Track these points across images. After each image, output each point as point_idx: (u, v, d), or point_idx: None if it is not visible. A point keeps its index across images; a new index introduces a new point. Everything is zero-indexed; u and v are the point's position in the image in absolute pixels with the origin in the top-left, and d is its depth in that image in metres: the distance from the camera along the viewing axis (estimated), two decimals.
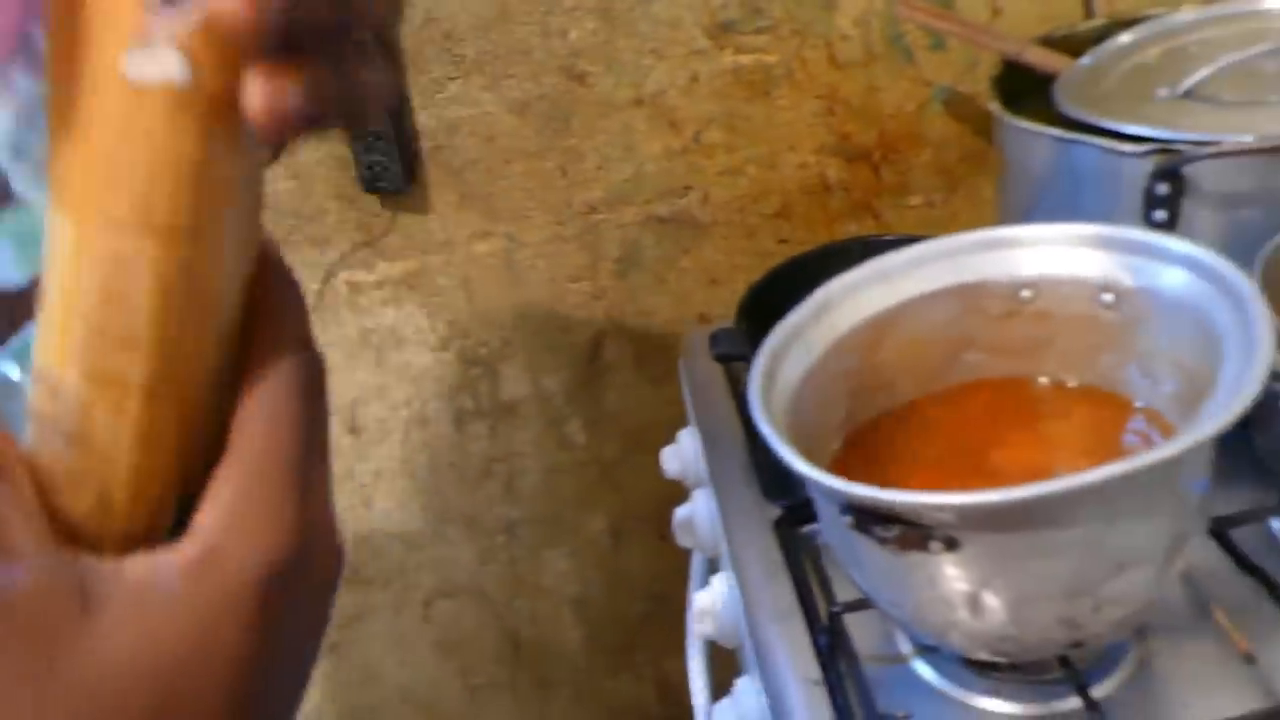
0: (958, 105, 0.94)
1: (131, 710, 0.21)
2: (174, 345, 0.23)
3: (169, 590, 0.22)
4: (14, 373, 0.27)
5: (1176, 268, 0.50)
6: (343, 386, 1.02)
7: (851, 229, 1.00)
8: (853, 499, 0.44)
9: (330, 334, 1.00)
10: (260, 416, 0.23)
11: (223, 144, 0.22)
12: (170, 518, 0.24)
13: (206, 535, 0.23)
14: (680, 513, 0.75)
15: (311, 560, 0.24)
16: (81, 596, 0.22)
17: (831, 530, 0.50)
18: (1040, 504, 0.41)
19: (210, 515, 0.23)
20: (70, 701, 0.21)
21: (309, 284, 0.96)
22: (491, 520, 1.12)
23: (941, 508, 0.42)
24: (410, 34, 0.87)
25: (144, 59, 0.21)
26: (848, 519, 0.45)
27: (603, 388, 1.06)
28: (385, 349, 1.02)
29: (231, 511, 0.23)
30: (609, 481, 1.11)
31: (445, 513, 1.11)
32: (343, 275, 0.97)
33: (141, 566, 0.22)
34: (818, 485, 0.44)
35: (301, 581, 0.24)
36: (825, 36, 0.91)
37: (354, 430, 1.06)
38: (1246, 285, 0.47)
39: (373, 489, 1.09)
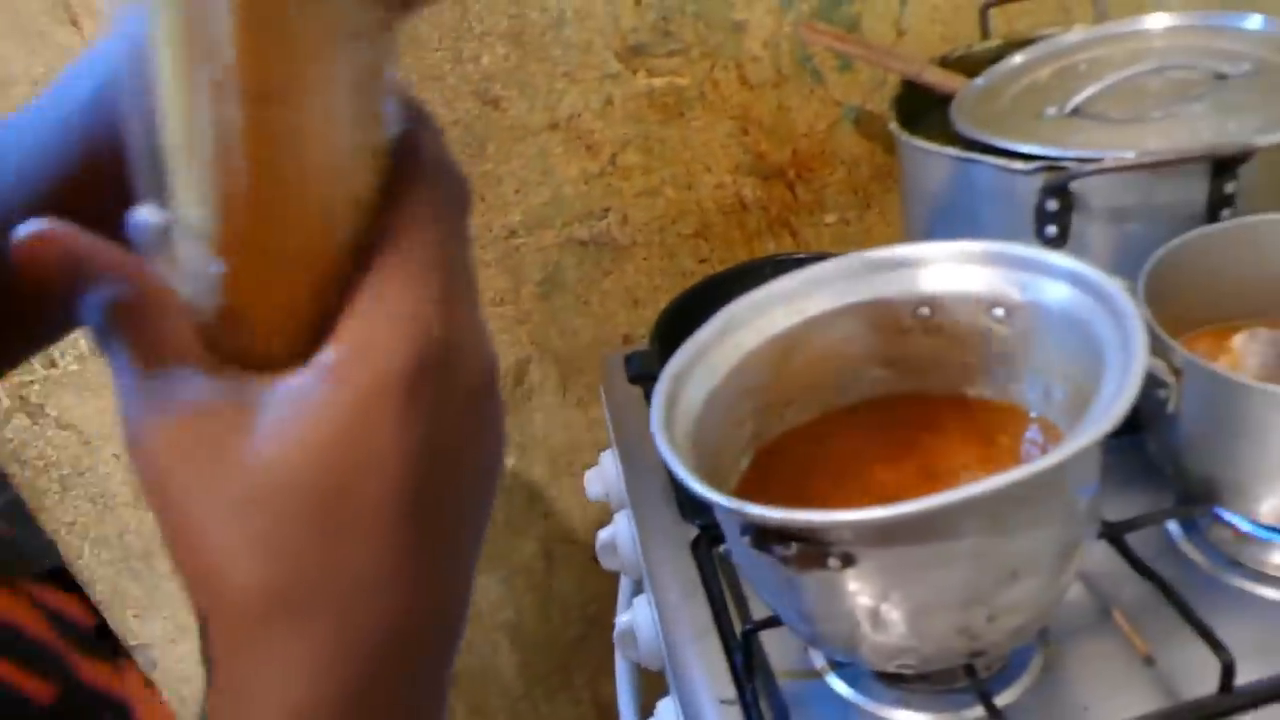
0: (868, 124, 0.96)
1: (297, 505, 0.22)
2: (288, 208, 0.23)
3: (319, 389, 0.23)
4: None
5: (1061, 282, 0.52)
6: None
7: (770, 247, 1.01)
8: (749, 519, 0.44)
9: None
10: (400, 227, 0.23)
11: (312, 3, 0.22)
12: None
13: (351, 336, 0.23)
14: (603, 535, 0.75)
15: (460, 359, 0.24)
16: (239, 407, 0.23)
17: (737, 550, 0.51)
18: (931, 517, 0.42)
19: (353, 318, 0.23)
20: (239, 504, 0.22)
21: None
22: None
23: (837, 525, 0.43)
24: None
25: None
26: (747, 538, 0.45)
27: (529, 411, 1.06)
28: None
29: (373, 312, 0.23)
30: (539, 505, 1.11)
31: None
32: None
33: (293, 377, 0.23)
34: (716, 506, 0.45)
35: (451, 379, 0.23)
36: (735, 58, 0.92)
37: None
38: (1124, 298, 0.49)
39: None
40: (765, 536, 0.45)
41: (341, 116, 0.23)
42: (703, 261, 1.00)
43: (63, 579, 0.36)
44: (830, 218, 1.00)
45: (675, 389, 0.51)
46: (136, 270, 0.23)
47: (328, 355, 0.23)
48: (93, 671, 0.34)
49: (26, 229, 0.22)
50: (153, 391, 0.23)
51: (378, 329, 0.23)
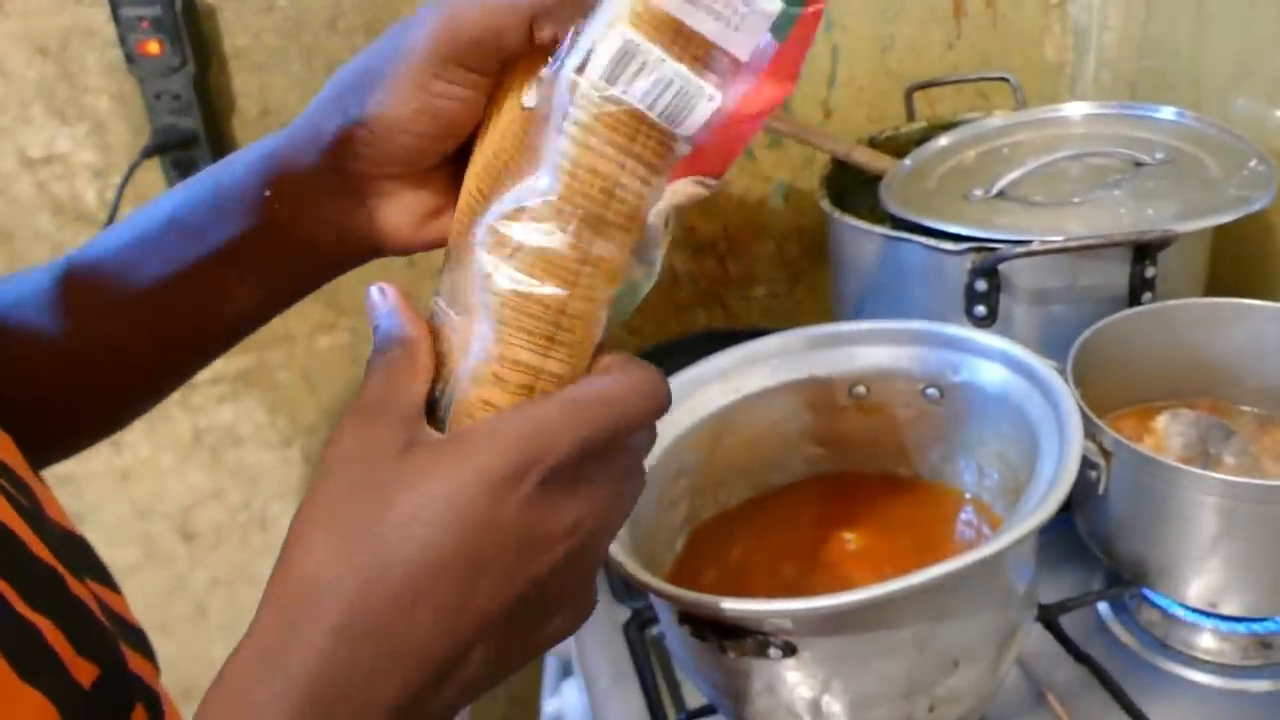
0: (797, 200, 0.98)
1: (391, 519, 0.27)
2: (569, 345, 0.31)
3: (452, 449, 0.28)
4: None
5: (995, 363, 0.53)
6: (174, 490, 0.96)
7: (700, 319, 1.01)
8: (688, 608, 0.43)
9: (160, 434, 0.94)
10: (588, 381, 0.30)
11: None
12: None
13: (494, 422, 0.28)
14: None
15: (571, 490, 0.29)
16: (410, 441, 0.29)
17: (672, 636, 0.49)
18: (874, 606, 0.41)
19: (510, 410, 0.29)
20: (388, 516, 0.27)
21: None
22: None
23: (778, 614, 0.42)
24: (244, 125, 0.84)
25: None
26: (686, 628, 0.44)
27: None
28: (221, 448, 0.97)
29: (522, 414, 0.28)
30: None
31: None
32: None
33: (465, 432, 0.29)
34: (655, 594, 0.43)
35: (539, 496, 0.28)
36: None
37: (188, 536, 0.99)
38: (1056, 380, 0.49)
39: (209, 598, 1.02)
40: (704, 625, 0.43)
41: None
42: (633, 333, 1.00)
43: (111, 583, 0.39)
44: (760, 291, 1.01)
45: None
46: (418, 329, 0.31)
47: (475, 428, 0.29)
48: (136, 663, 0.37)
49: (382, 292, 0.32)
50: (375, 414, 0.29)
51: (514, 427, 0.28)
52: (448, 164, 0.34)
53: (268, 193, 0.36)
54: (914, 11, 0.94)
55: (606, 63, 0.28)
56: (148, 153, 0.78)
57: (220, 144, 0.83)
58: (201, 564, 1.00)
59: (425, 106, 0.32)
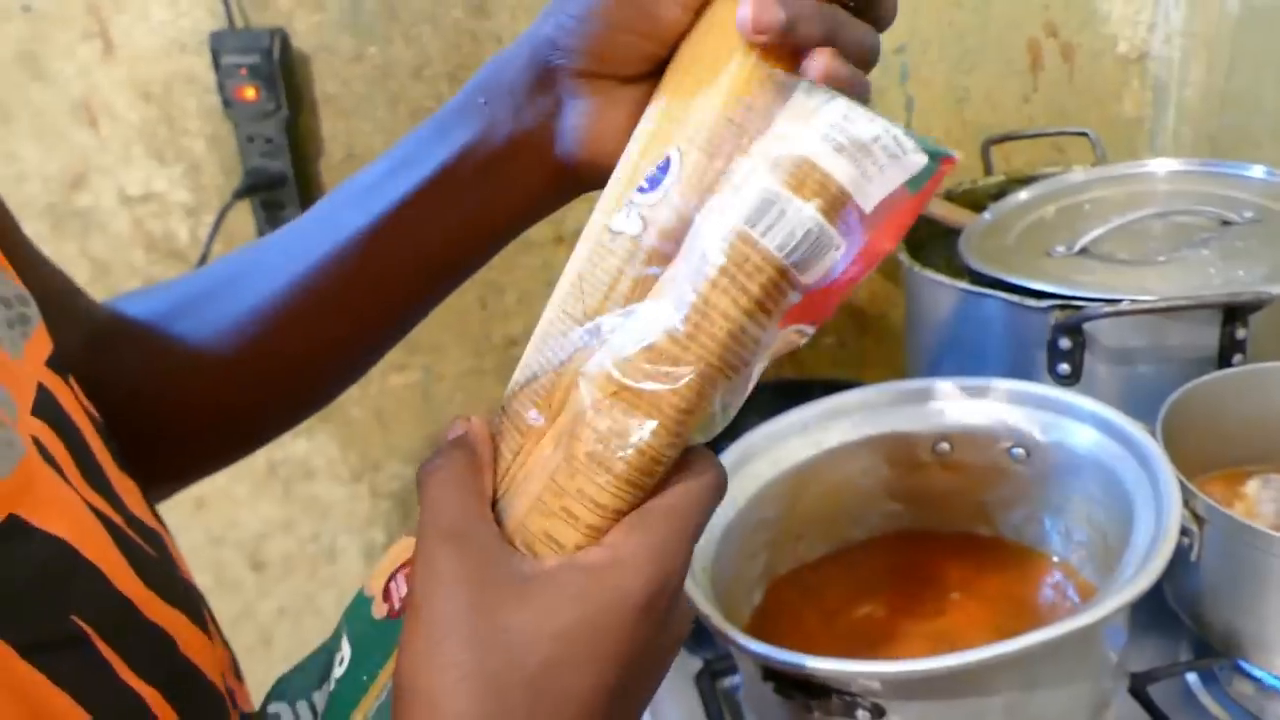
0: None
1: (530, 661, 0.27)
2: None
3: (576, 580, 0.28)
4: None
5: (1085, 425, 0.52)
6: (246, 519, 0.98)
7: (770, 370, 1.01)
8: (775, 666, 0.42)
9: (236, 465, 0.96)
10: (675, 490, 0.29)
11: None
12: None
13: (614, 549, 0.28)
14: None
15: (680, 603, 0.30)
16: (515, 573, 0.28)
17: (752, 693, 0.49)
18: (966, 672, 0.41)
19: (619, 534, 0.28)
20: (491, 641, 0.27)
21: None
22: None
23: (868, 676, 0.41)
24: (331, 168, 0.87)
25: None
26: (770, 684, 0.44)
27: None
28: (294, 481, 0.98)
29: (637, 538, 0.28)
30: None
31: None
32: None
33: (563, 560, 0.29)
34: (743, 650, 0.43)
35: (667, 613, 0.29)
36: None
37: (257, 566, 1.01)
38: (1152, 445, 0.48)
39: (274, 627, 1.03)
40: (790, 683, 0.43)
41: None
42: None
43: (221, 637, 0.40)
44: (828, 340, 1.01)
45: None
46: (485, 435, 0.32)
47: (592, 554, 0.28)
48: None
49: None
50: (456, 526, 0.29)
51: (633, 551, 0.28)
52: (649, 79, 0.34)
53: (482, 100, 0.36)
54: (990, 64, 0.94)
55: (750, 210, 0.27)
56: (239, 194, 0.81)
57: (308, 186, 0.86)
58: (269, 594, 1.01)
59: None
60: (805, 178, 0.27)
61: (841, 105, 0.28)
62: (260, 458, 0.96)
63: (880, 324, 1.01)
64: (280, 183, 0.84)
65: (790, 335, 0.29)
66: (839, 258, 0.28)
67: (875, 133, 0.27)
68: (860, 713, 0.42)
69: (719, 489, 0.30)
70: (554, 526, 0.29)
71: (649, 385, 0.28)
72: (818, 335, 1.02)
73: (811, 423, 0.56)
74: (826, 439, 0.56)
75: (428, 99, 0.86)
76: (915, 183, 0.27)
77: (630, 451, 0.28)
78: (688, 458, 0.30)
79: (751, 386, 0.30)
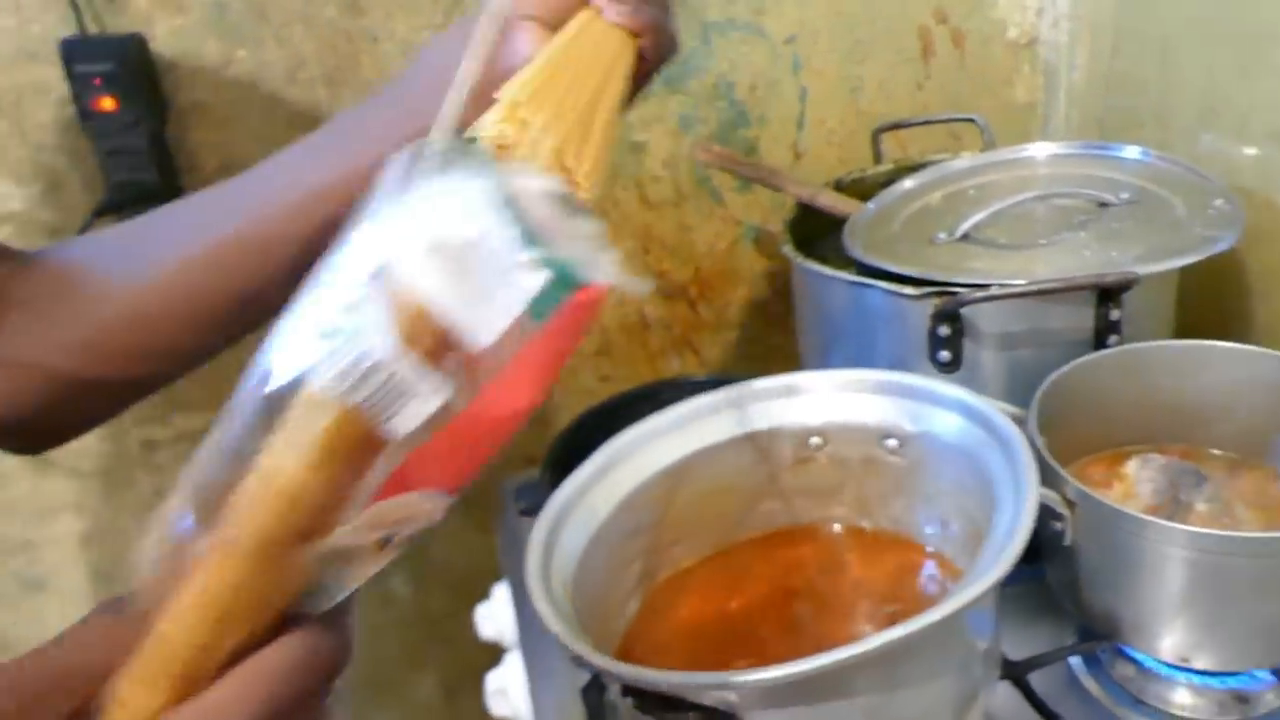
0: (768, 243, 0.97)
1: None
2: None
3: None
4: None
5: (951, 412, 0.51)
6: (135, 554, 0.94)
7: (674, 365, 1.00)
8: (629, 682, 0.41)
9: (122, 497, 0.92)
10: (251, 668, 0.27)
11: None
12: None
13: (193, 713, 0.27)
14: (492, 680, 0.70)
15: None
16: None
17: (621, 709, 0.47)
18: (823, 676, 0.39)
19: (202, 699, 0.27)
20: None
21: (93, 443, 0.89)
22: None
23: (720, 686, 0.40)
24: (205, 180, 0.83)
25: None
26: (629, 700, 0.42)
27: (428, 537, 1.00)
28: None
29: (221, 695, 0.27)
30: (437, 636, 1.05)
31: None
32: (134, 433, 0.90)
33: None
34: (595, 668, 0.41)
35: None
36: (635, 177, 0.92)
37: None
38: (1012, 428, 0.47)
39: None
40: (648, 700, 0.41)
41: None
42: (605, 379, 0.98)
43: None
44: (733, 336, 1.00)
45: (553, 533, 0.48)
46: None
47: None
48: None
49: None
50: None
51: None
52: None
53: None
54: (882, 53, 0.93)
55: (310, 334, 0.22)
56: (100, 211, 0.77)
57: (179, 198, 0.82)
58: None
59: None
60: (386, 291, 0.21)
61: (478, 179, 0.20)
62: (146, 486, 0.93)
63: (786, 319, 1.00)
64: (152, 196, 0.80)
65: (419, 504, 0.24)
66: (436, 406, 0.22)
67: (481, 233, 0.20)
68: None
69: (322, 659, 0.28)
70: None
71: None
72: (722, 331, 1.00)
73: (684, 421, 0.55)
74: (695, 439, 0.54)
75: (304, 103, 0.84)
76: (539, 308, 0.21)
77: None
78: (304, 631, 0.28)
79: (381, 562, 0.26)
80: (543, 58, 0.41)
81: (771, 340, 1.01)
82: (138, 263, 0.48)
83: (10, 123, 0.77)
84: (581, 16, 0.45)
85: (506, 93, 0.36)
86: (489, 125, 0.33)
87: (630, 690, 0.42)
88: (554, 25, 0.46)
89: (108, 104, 0.75)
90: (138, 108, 0.76)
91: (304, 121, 0.84)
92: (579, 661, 0.41)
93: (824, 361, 0.73)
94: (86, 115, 0.76)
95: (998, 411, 0.49)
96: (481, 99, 0.42)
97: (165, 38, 0.78)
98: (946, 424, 0.51)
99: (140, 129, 0.77)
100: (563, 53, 0.41)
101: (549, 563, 0.47)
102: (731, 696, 0.40)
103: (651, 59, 0.50)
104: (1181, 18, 0.79)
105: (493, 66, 0.43)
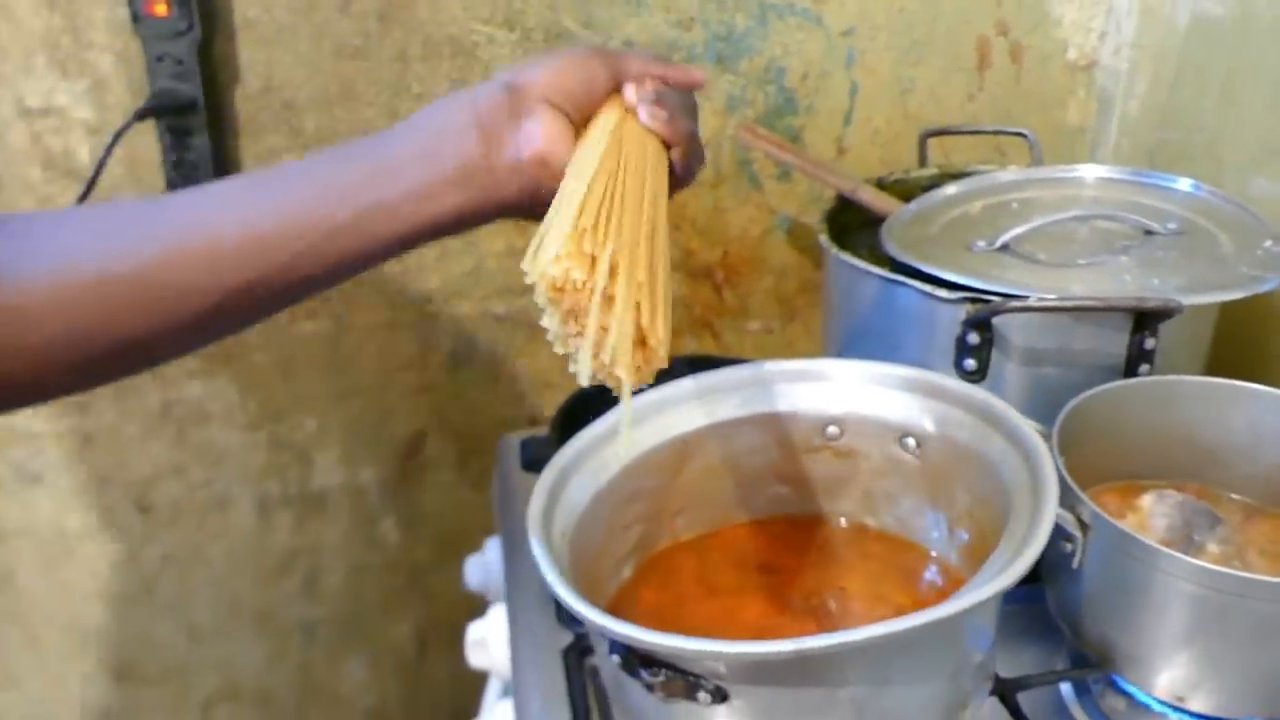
0: (800, 236, 0.96)
1: None
2: None
3: None
4: None
5: (975, 418, 0.50)
6: (136, 461, 0.94)
7: (690, 346, 0.99)
8: (618, 638, 0.40)
9: (128, 403, 0.92)
10: None
11: None
12: None
13: None
14: (473, 630, 0.70)
15: None
16: None
17: (605, 668, 0.47)
18: (812, 658, 0.38)
19: None
20: None
21: None
22: (287, 619, 1.03)
23: (710, 656, 0.39)
24: (246, 98, 0.83)
25: None
26: (615, 658, 0.41)
27: (421, 486, 1.00)
28: (187, 424, 0.94)
29: None
30: (419, 587, 1.04)
31: (236, 606, 1.02)
32: None
33: None
34: (584, 618, 0.41)
35: None
36: None
37: (144, 509, 0.96)
38: (1040, 443, 0.47)
39: (158, 574, 0.99)
40: (633, 659, 0.40)
41: None
42: None
43: None
44: (754, 324, 0.99)
45: (560, 482, 0.47)
46: None
47: None
48: None
49: None
50: None
51: None
52: None
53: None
54: (938, 58, 0.92)
55: None
56: (140, 115, 0.76)
57: (218, 114, 0.82)
58: (154, 539, 0.97)
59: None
60: None
61: None
62: (154, 397, 0.92)
63: (808, 314, 0.99)
64: (190, 108, 0.80)
65: None
66: None
67: None
68: (701, 694, 0.40)
69: None
70: None
71: None
72: (743, 319, 0.99)
73: (701, 393, 0.54)
74: (717, 411, 0.54)
75: (354, 36, 0.83)
76: None
77: None
78: None
79: None
80: (587, 166, 0.37)
81: (791, 335, 1.00)
82: (26, 263, 0.40)
83: (64, 17, 0.77)
84: (611, 116, 0.41)
85: (565, 213, 0.33)
86: (548, 261, 0.32)
87: (617, 648, 0.41)
88: (573, 117, 0.43)
89: (160, 8, 0.75)
90: (189, 15, 0.76)
91: (349, 52, 0.83)
92: (575, 614, 0.40)
93: (845, 355, 0.72)
94: (138, 17, 0.75)
95: (1026, 423, 0.48)
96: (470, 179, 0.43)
97: None
98: (969, 429, 0.50)
99: (188, 37, 0.77)
100: (610, 163, 0.38)
101: (552, 510, 0.46)
102: (721, 667, 0.40)
103: (680, 173, 0.47)
104: (1247, 56, 0.78)
105: (498, 148, 0.42)
